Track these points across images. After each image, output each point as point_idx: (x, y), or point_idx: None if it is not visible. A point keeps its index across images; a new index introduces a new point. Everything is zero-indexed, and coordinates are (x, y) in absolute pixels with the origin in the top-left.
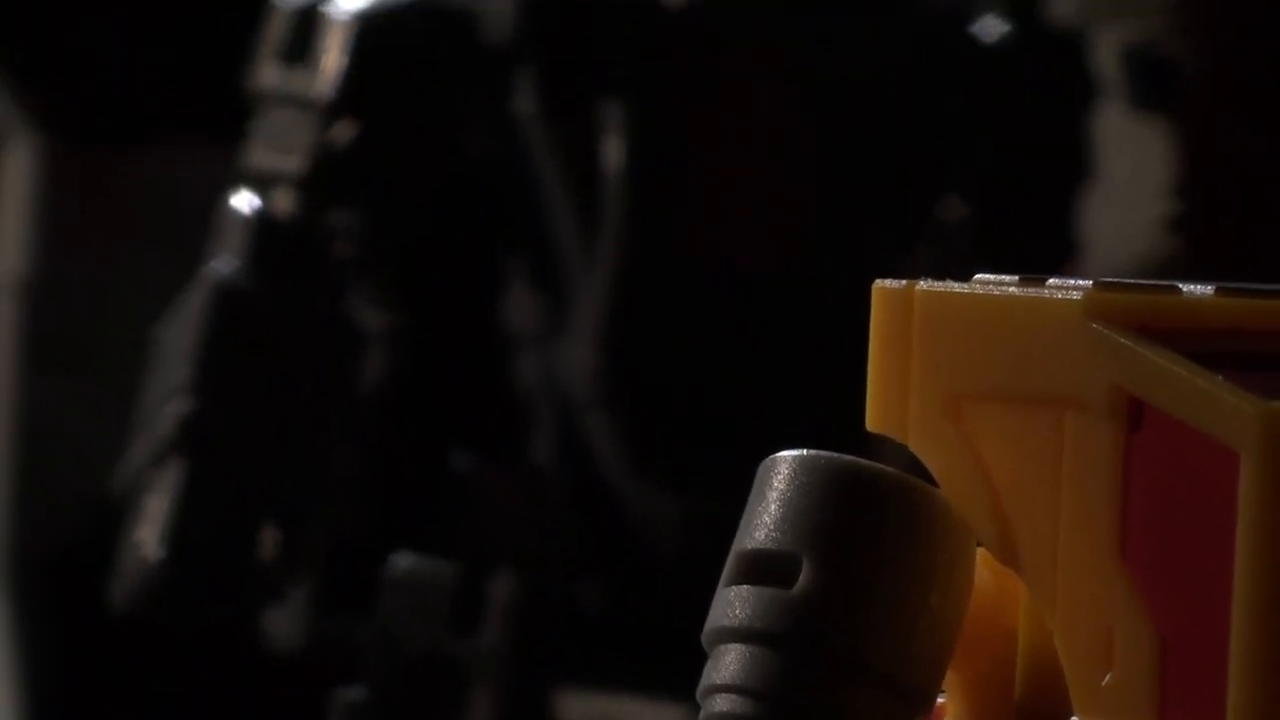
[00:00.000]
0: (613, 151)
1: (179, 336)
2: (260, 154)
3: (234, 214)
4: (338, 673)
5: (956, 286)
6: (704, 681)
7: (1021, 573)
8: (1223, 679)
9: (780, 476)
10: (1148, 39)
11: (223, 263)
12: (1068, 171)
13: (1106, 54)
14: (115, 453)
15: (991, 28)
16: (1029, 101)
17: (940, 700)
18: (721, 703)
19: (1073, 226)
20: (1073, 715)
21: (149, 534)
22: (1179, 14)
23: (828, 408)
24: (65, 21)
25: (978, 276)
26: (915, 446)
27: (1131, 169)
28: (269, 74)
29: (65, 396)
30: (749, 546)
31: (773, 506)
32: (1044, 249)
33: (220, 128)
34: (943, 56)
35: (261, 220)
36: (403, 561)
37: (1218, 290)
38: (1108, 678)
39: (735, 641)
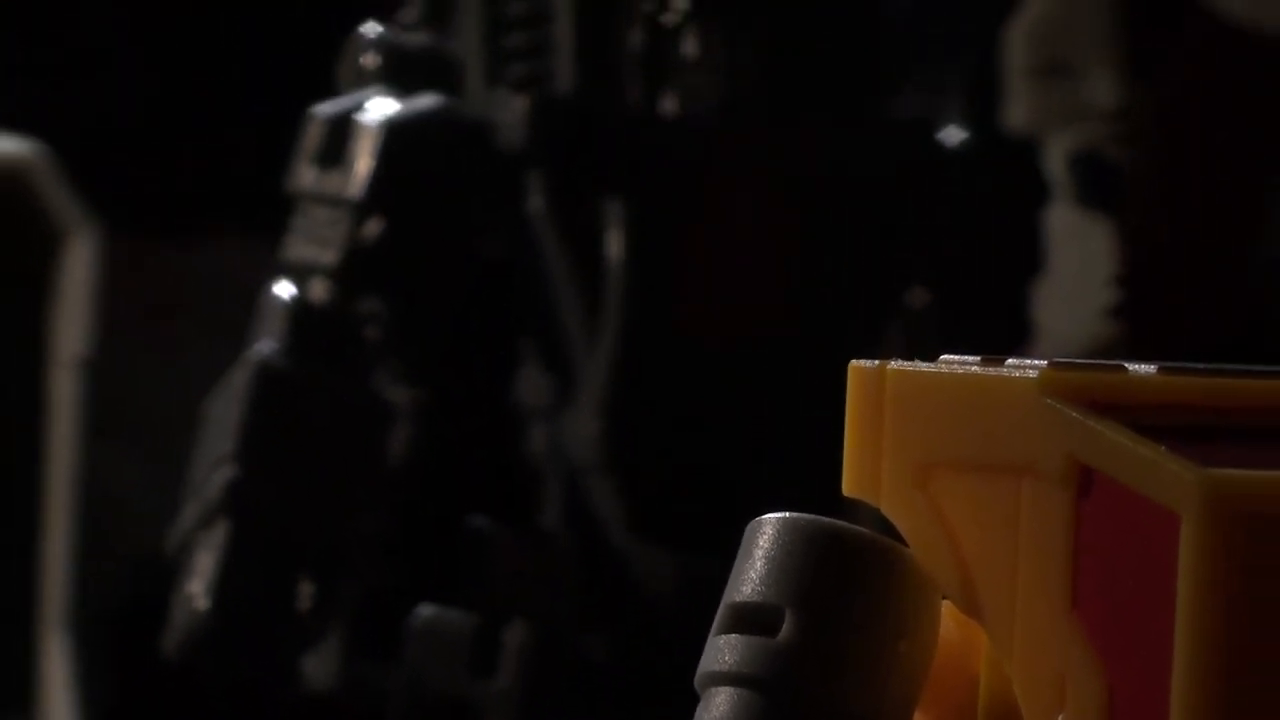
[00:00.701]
0: (613, 245)
1: (224, 411)
2: (298, 247)
3: (274, 301)
4: (368, 713)
5: (924, 366)
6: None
7: (983, 624)
8: (1163, 717)
9: (766, 537)
10: (1092, 146)
11: (264, 345)
12: (1022, 263)
13: (1056, 159)
14: (167, 515)
15: (954, 135)
16: (987, 201)
17: None
18: None
19: (1027, 312)
20: None
21: (198, 587)
22: (1120, 124)
23: (809, 474)
24: (125, 130)
25: (943, 357)
26: (887, 510)
27: (1079, 261)
28: (306, 175)
29: (121, 464)
30: (737, 599)
31: (759, 564)
32: (1001, 333)
33: (262, 223)
34: (910, 161)
35: (299, 307)
36: (425, 612)
37: (1159, 369)
38: (1060, 717)
39: (725, 685)
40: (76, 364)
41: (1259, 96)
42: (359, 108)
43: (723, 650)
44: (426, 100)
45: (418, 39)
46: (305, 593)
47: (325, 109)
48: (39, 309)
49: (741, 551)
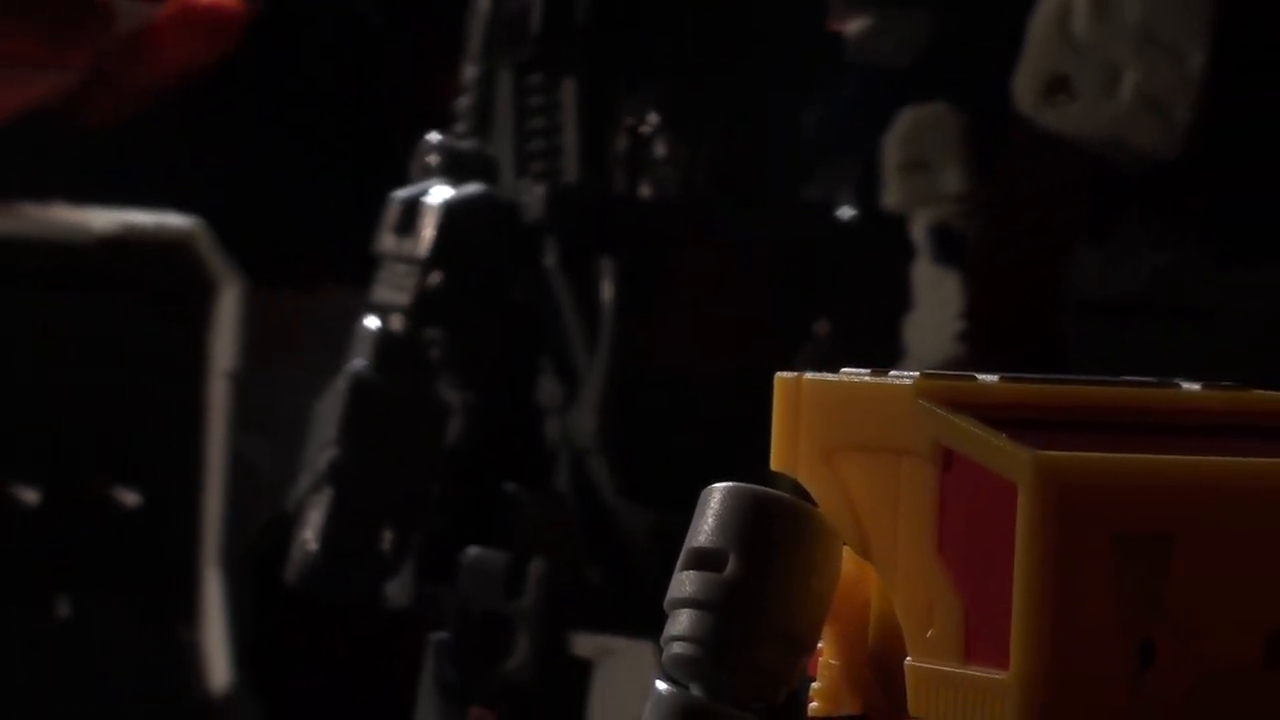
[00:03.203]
0: (605, 291)
1: (329, 409)
2: (381, 292)
3: (364, 330)
4: (431, 623)
5: (829, 376)
6: (665, 633)
7: (873, 563)
8: (1006, 635)
9: (715, 499)
10: (944, 220)
11: (357, 361)
12: (896, 303)
13: (919, 229)
14: (289, 483)
15: (847, 213)
16: (870, 259)
17: (819, 646)
18: (677, 648)
19: (900, 338)
20: (907, 657)
21: (309, 535)
22: (965, 204)
23: (747, 454)
24: (262, 208)
25: (843, 370)
26: (803, 480)
27: (936, 302)
28: (388, 241)
29: (258, 447)
30: (694, 545)
31: (710, 519)
32: (882, 353)
33: (358, 276)
34: (816, 231)
35: (382, 334)
36: (473, 552)
37: (1001, 378)
38: (929, 632)
39: (685, 608)
40: (228, 376)
41: (1063, 185)
42: (425, 193)
43: (684, 582)
44: (473, 188)
45: (467, 144)
46: (386, 538)
47: (401, 193)
48: (202, 337)
49: (698, 510)
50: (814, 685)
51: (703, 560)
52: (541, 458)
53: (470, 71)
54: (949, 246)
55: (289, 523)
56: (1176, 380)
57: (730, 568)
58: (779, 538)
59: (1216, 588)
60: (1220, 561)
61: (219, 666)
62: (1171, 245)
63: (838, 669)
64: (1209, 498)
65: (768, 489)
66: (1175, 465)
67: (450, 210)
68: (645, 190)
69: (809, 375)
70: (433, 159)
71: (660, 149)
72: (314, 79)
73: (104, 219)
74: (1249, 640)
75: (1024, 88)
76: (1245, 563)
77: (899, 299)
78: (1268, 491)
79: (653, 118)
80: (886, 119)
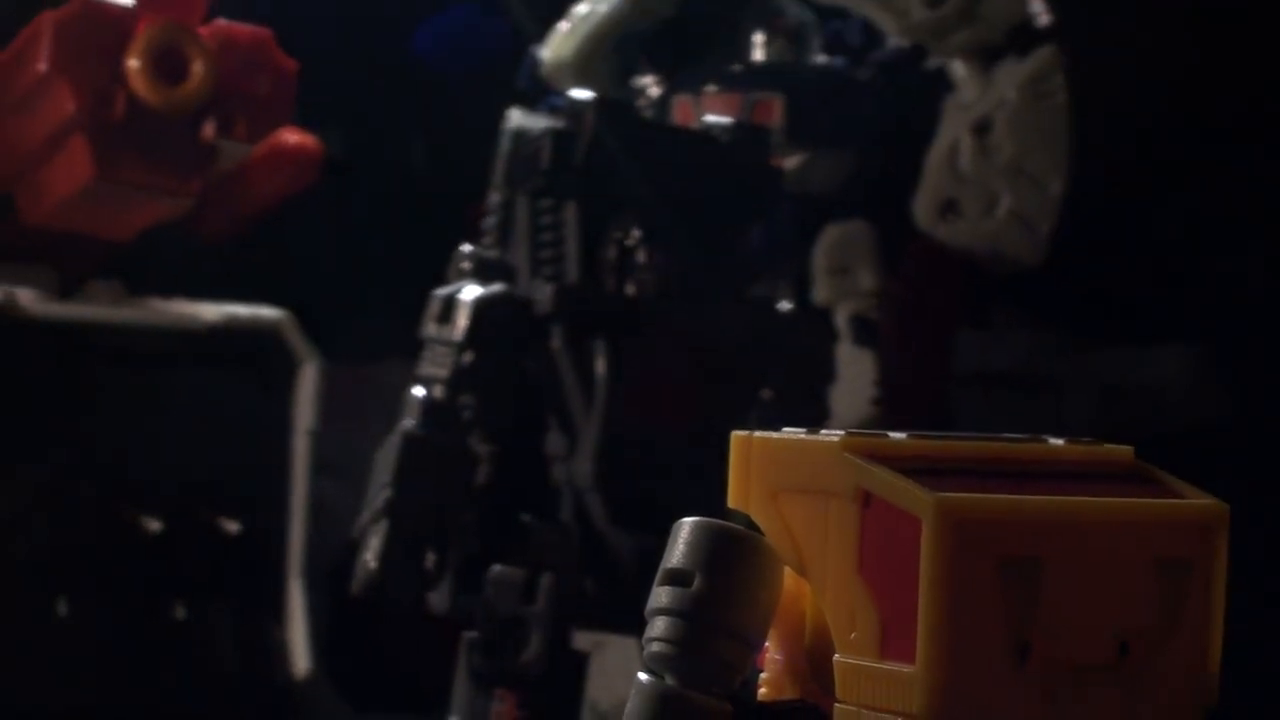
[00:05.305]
0: (599, 367)
1: (385, 458)
2: (426, 368)
3: (412, 398)
4: (465, 625)
5: (774, 434)
6: (645, 635)
7: (809, 580)
8: (914, 637)
9: (685, 530)
10: (861, 312)
11: (407, 421)
12: (824, 376)
13: (842, 319)
14: (354, 515)
15: (786, 307)
16: (805, 343)
17: (766, 645)
18: (655, 646)
19: (827, 403)
20: (835, 654)
21: (370, 556)
22: (877, 299)
23: (710, 495)
24: (336, 300)
25: (785, 429)
26: (754, 515)
27: (855, 375)
28: (430, 328)
29: (333, 488)
30: (668, 565)
31: (681, 545)
32: (813, 416)
33: (409, 355)
34: (762, 325)
35: (426, 400)
36: (497, 569)
37: (909, 435)
38: (853, 635)
39: (661, 615)
40: (308, 433)
41: (951, 285)
42: (459, 291)
43: (660, 595)
44: (496, 287)
45: (492, 253)
46: (430, 558)
47: (440, 291)
48: (288, 403)
49: (671, 538)
50: (762, 675)
51: (675, 578)
52: (549, 495)
53: (494, 198)
54: (864, 332)
55: (355, 546)
56: (1044, 436)
57: (696, 584)
58: (734, 561)
59: (1077, 599)
60: (1080, 579)
61: (301, 658)
62: (1032, 330)
63: (781, 663)
64: (1071, 529)
65: (726, 522)
66: (1044, 504)
67: (479, 304)
68: (630, 289)
69: (758, 433)
70: (465, 265)
71: (641, 257)
72: (376, 204)
73: (212, 311)
74: (1104, 640)
75: (922, 209)
76: (1099, 579)
77: (826, 373)
78: (1115, 523)
79: (635, 233)
80: (816, 233)
